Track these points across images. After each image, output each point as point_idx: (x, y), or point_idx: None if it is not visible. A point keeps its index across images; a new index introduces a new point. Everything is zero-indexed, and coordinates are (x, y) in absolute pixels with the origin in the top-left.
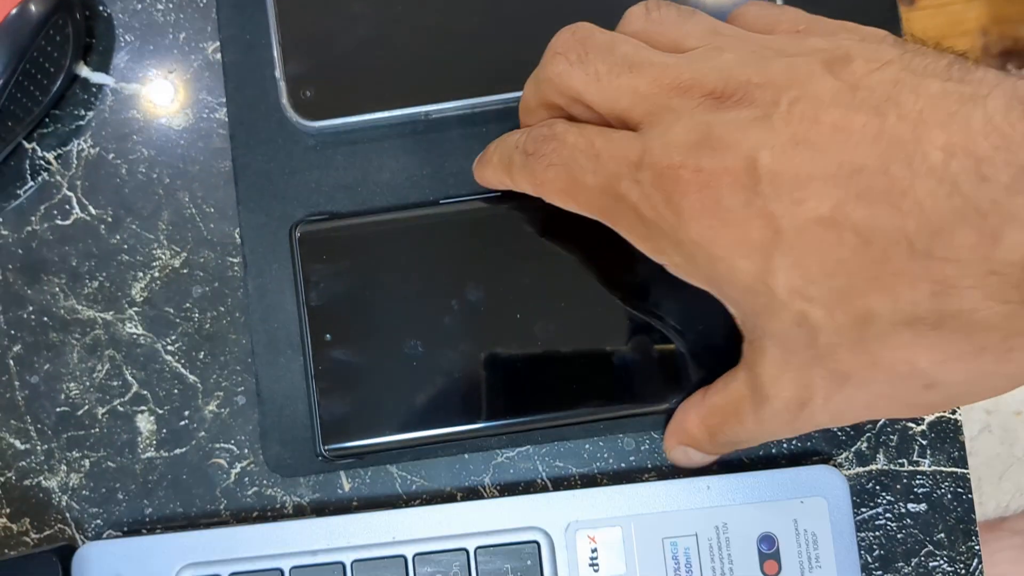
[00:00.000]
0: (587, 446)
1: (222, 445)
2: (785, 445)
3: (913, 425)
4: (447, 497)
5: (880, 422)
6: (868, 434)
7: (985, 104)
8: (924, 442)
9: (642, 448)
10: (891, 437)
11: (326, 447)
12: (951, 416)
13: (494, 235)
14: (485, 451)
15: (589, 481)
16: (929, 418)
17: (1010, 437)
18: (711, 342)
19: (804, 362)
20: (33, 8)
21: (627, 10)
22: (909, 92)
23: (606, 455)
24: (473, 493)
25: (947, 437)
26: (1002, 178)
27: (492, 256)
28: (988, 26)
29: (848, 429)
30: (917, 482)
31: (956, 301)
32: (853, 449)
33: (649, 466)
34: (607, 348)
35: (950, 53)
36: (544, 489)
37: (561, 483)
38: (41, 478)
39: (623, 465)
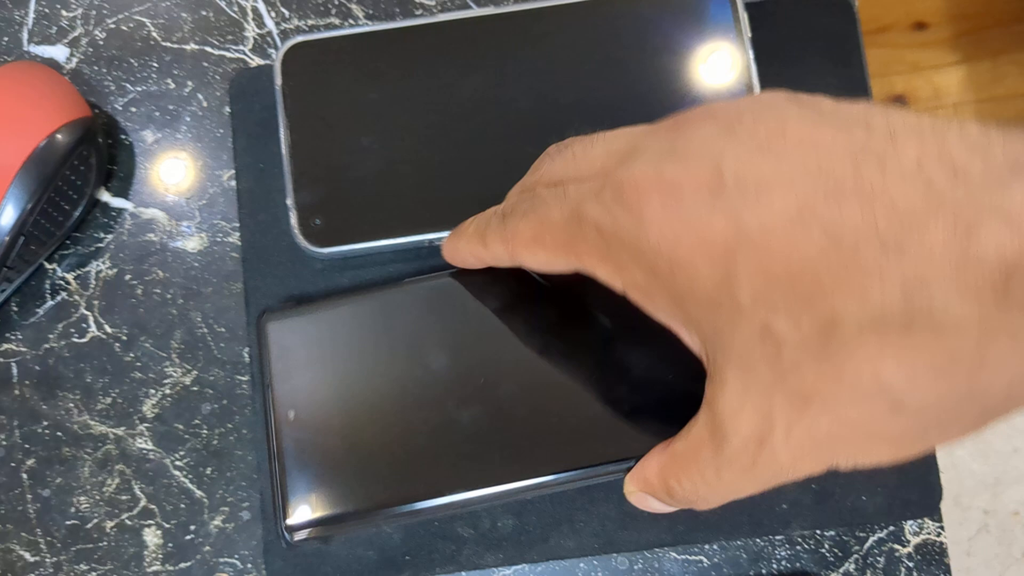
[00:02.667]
0: (581, 564)
1: (226, 559)
2: (775, 565)
3: (899, 547)
4: None
5: (867, 542)
6: (855, 555)
7: (960, 127)
8: (911, 564)
9: (635, 568)
10: (878, 559)
11: (288, 533)
12: (936, 539)
13: (456, 308)
14: (481, 569)
15: None
16: (915, 540)
17: (1008, 537)
18: (681, 395)
19: (765, 386)
20: (60, 139)
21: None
22: (878, 115)
23: (600, 574)
24: None
25: (933, 559)
26: (976, 172)
27: (455, 329)
28: None
29: (836, 550)
30: None
31: (927, 298)
32: (841, 570)
33: None
34: (574, 410)
35: None
36: None
37: None
38: None
39: None
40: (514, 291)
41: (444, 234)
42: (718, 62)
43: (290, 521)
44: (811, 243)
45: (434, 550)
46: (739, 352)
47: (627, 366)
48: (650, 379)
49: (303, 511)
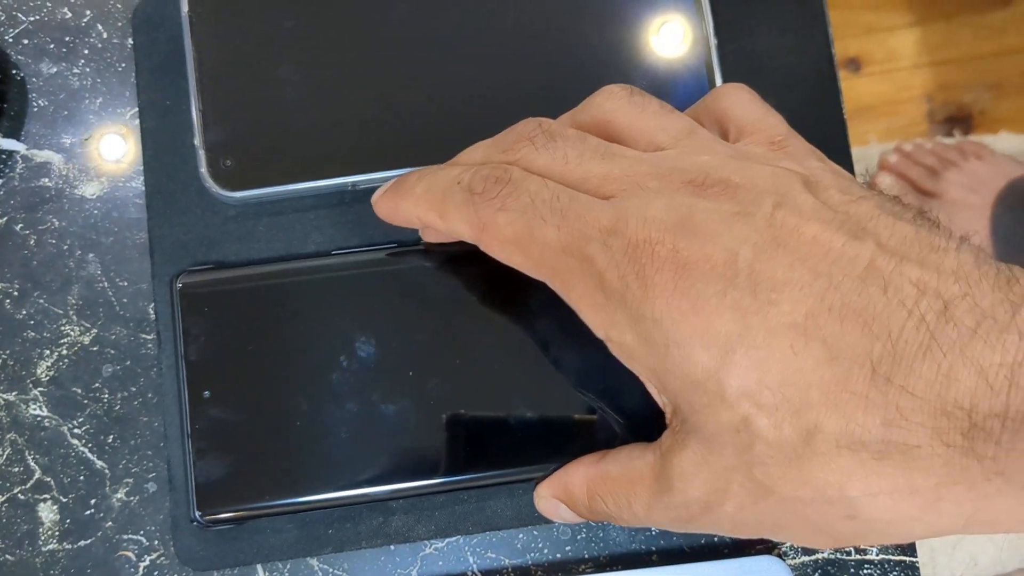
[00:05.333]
0: (521, 535)
1: (131, 536)
2: None
3: None
4: None
5: None
6: None
7: (957, 254)
8: None
9: (578, 538)
10: None
11: (201, 513)
12: None
13: (385, 288)
14: (412, 542)
15: (523, 573)
16: None
17: None
18: (616, 407)
19: (728, 467)
20: None
21: (607, 85)
22: (884, 228)
23: (540, 545)
24: None
25: None
26: (967, 322)
27: (383, 310)
28: (933, 92)
29: None
30: (865, 571)
31: (904, 434)
32: None
33: (586, 556)
34: (502, 408)
35: (912, 206)
36: None
37: None
38: None
39: (559, 556)
40: (451, 282)
41: (370, 177)
42: (673, 11)
43: (200, 509)
44: (809, 355)
45: (360, 522)
46: (711, 432)
47: (562, 378)
48: (581, 396)
49: (213, 497)
